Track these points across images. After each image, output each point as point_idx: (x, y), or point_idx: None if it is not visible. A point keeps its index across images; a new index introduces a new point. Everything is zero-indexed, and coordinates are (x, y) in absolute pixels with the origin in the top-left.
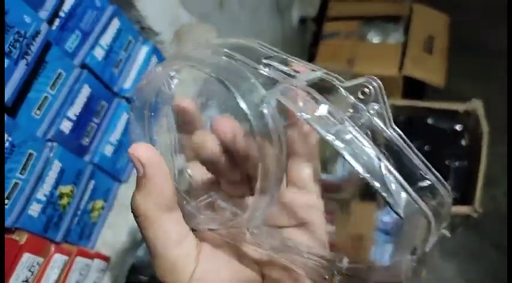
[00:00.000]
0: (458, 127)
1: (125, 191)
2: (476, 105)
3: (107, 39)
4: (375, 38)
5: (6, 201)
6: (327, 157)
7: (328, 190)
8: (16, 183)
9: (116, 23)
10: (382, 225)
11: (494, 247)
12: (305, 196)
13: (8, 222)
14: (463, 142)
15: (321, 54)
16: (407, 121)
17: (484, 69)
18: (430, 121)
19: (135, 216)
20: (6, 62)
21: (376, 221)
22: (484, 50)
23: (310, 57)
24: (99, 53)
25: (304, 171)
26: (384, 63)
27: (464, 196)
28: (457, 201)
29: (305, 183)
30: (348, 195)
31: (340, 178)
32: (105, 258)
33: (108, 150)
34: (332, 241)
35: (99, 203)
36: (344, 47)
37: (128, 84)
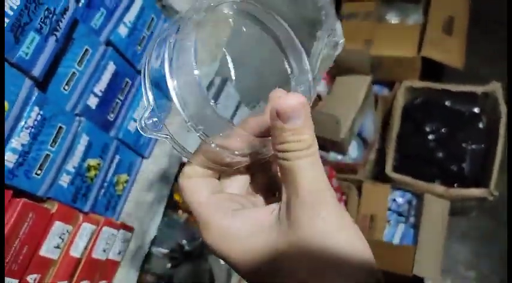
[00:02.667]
0: (476, 109)
1: (147, 166)
2: (495, 88)
3: (130, 16)
4: (393, 19)
5: (38, 172)
6: (341, 139)
7: (341, 171)
8: (47, 155)
9: (139, 1)
10: (395, 205)
11: (508, 231)
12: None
13: (40, 191)
14: (481, 125)
15: None
16: (424, 103)
17: (503, 51)
18: (447, 103)
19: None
20: (37, 38)
21: (388, 201)
22: (503, 32)
23: None
24: (123, 31)
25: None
26: (402, 44)
27: (480, 179)
28: (472, 185)
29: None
30: (360, 176)
31: (354, 159)
32: (130, 229)
33: (132, 126)
34: None
35: (124, 177)
36: (362, 28)
37: None
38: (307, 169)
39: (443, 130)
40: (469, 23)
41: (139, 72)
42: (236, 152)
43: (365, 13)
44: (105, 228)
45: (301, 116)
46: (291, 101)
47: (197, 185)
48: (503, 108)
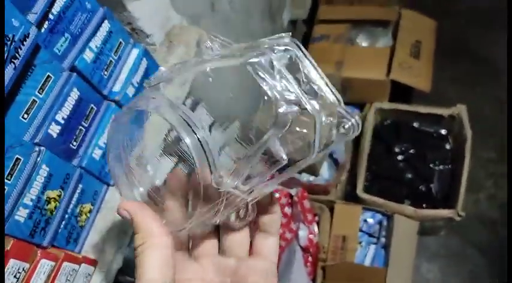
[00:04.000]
0: (443, 131)
1: (112, 194)
2: (461, 110)
3: (96, 41)
4: (363, 42)
5: None
6: (314, 161)
7: (313, 192)
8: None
9: (106, 26)
10: (366, 226)
11: (477, 250)
12: (265, 263)
13: None
14: (448, 146)
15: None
16: (393, 124)
17: (469, 75)
18: (416, 124)
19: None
20: None
21: (360, 222)
22: (470, 56)
23: None
24: (88, 56)
25: (269, 243)
26: (372, 67)
27: (447, 199)
28: (440, 204)
29: (267, 253)
30: (332, 196)
31: (325, 180)
32: (92, 262)
33: (97, 154)
34: (317, 242)
35: (87, 207)
36: (333, 50)
37: (117, 87)
38: (143, 263)
39: (412, 151)
40: (437, 47)
41: (105, 97)
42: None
43: (336, 35)
44: (65, 264)
45: (127, 217)
46: (119, 206)
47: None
48: (468, 130)
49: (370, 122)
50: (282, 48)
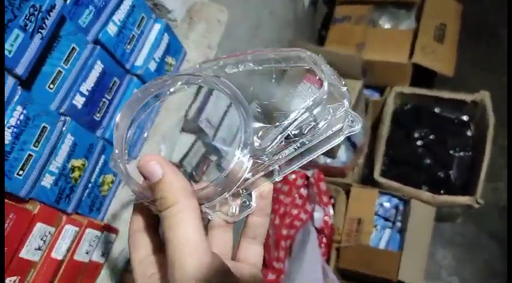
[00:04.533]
0: (465, 117)
1: (134, 167)
2: (484, 96)
3: (120, 15)
4: (386, 24)
5: (20, 172)
6: None
7: (330, 174)
8: (30, 155)
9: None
10: (382, 210)
11: (493, 239)
12: (252, 268)
13: (22, 192)
14: (469, 133)
15: (330, 37)
16: (414, 109)
17: (494, 60)
18: (437, 110)
19: (163, 210)
20: (22, 35)
21: (376, 206)
22: (495, 40)
23: (320, 40)
24: (112, 29)
25: (254, 250)
26: (394, 49)
27: (466, 186)
28: (458, 191)
29: (253, 259)
30: (349, 179)
31: (342, 163)
32: (114, 230)
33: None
34: (332, 224)
35: (109, 178)
36: (354, 32)
37: (139, 61)
38: (175, 229)
39: (431, 136)
40: (461, 31)
41: (128, 71)
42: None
43: (358, 17)
44: (88, 230)
45: (157, 173)
46: (144, 160)
47: (139, 242)
48: (491, 117)
49: (389, 105)
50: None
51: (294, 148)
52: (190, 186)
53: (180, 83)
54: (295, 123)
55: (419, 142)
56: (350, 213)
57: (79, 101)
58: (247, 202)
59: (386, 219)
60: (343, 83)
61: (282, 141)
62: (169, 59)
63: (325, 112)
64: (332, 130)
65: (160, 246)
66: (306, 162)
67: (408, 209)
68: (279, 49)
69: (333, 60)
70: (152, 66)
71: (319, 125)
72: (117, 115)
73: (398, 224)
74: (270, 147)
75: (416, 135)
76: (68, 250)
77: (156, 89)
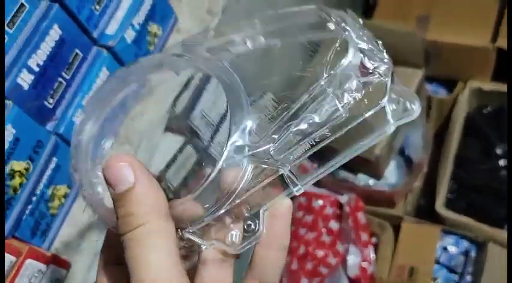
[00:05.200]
0: None
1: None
2: None
3: None
4: None
5: None
6: (376, 156)
7: (373, 202)
8: None
9: None
10: (445, 256)
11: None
12: None
13: None
14: None
15: (381, 6)
16: (497, 113)
17: None
18: None
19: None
20: None
21: (437, 250)
22: None
23: (367, 11)
24: None
25: (270, 263)
26: (471, 27)
27: None
28: None
29: (268, 276)
30: (399, 210)
31: (392, 186)
32: (65, 264)
33: (79, 118)
34: (372, 273)
35: (62, 189)
36: (414, 0)
37: (112, 28)
38: (142, 260)
39: None
40: None
41: (95, 41)
42: None
43: None
44: (28, 261)
45: (126, 179)
46: (113, 160)
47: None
48: None
49: (462, 108)
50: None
51: (310, 144)
52: (167, 202)
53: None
54: (308, 106)
55: (502, 162)
56: (399, 258)
57: (26, 80)
58: (253, 227)
59: (451, 270)
60: (381, 48)
61: (289, 134)
62: (154, 27)
63: (352, 88)
64: (365, 113)
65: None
66: (336, 166)
67: (484, 256)
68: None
69: (384, 40)
70: (129, 35)
71: (341, 108)
72: (78, 112)
73: (469, 278)
74: (273, 145)
75: (498, 151)
76: None
77: (137, 76)
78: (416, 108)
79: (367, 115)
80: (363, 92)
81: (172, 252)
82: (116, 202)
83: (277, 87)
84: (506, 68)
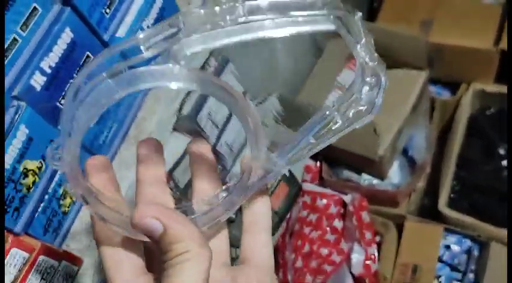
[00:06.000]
0: None
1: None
2: None
3: None
4: None
5: None
6: (379, 157)
7: (376, 201)
8: None
9: None
10: (448, 255)
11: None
12: (260, 271)
13: None
14: None
15: (386, 11)
16: (499, 114)
17: None
18: None
19: None
20: None
21: (440, 249)
22: None
23: (372, 15)
24: None
25: (260, 242)
26: (473, 30)
27: None
28: None
29: (260, 257)
30: (403, 210)
31: (395, 186)
32: (77, 261)
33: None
34: (376, 271)
35: None
36: (419, 3)
37: (122, 31)
38: (175, 276)
39: None
40: None
41: (105, 43)
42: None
43: None
44: (41, 258)
45: (157, 228)
46: (138, 216)
47: (121, 261)
48: None
49: (465, 109)
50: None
51: (309, 149)
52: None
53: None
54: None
55: (504, 162)
56: (402, 257)
57: (39, 81)
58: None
59: (454, 268)
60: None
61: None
62: None
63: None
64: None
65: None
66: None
67: (486, 255)
68: None
69: (388, 43)
70: None
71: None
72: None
73: (471, 276)
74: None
75: (501, 151)
76: None
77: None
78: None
79: (358, 126)
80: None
81: (203, 273)
82: (156, 243)
83: (281, 89)
84: (508, 70)
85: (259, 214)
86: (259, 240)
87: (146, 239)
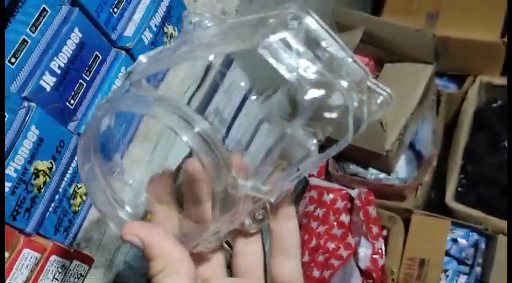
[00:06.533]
0: None
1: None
2: None
3: None
4: None
5: None
6: (386, 151)
7: (383, 195)
8: None
9: None
10: (455, 248)
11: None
12: None
13: None
14: None
15: (390, 4)
16: (506, 107)
17: None
18: None
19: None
20: None
21: (447, 242)
22: None
23: (376, 8)
24: None
25: (289, 268)
26: (480, 23)
27: None
28: None
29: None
30: (409, 204)
31: (402, 180)
32: (88, 260)
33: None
34: (383, 265)
35: (83, 187)
36: None
37: (130, 30)
38: None
39: None
40: None
41: (113, 43)
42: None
43: None
44: (53, 257)
45: (138, 243)
46: (123, 231)
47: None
48: None
49: (471, 102)
50: (295, 21)
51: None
52: (182, 250)
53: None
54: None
55: None
56: (409, 251)
57: (48, 82)
58: (261, 216)
59: (461, 262)
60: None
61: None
62: (169, 28)
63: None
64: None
65: None
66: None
67: (493, 249)
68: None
69: (393, 37)
70: (147, 37)
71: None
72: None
73: (478, 269)
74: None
75: (507, 144)
76: None
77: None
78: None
79: (333, 153)
80: None
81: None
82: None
83: (287, 86)
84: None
85: (289, 232)
86: (291, 264)
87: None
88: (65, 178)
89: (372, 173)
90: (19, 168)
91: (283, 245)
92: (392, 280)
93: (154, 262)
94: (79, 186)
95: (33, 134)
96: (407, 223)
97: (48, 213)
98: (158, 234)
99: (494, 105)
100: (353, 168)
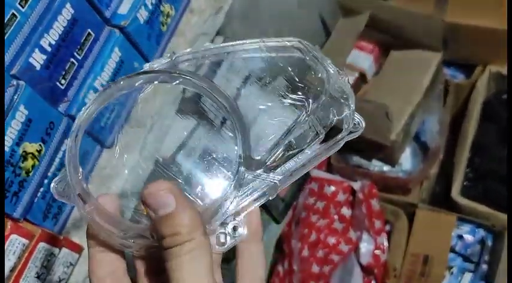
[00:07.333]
0: None
1: (107, 159)
2: None
3: None
4: None
5: None
6: (391, 142)
7: (387, 189)
8: None
9: None
10: (461, 245)
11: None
12: None
13: None
14: None
15: None
16: None
17: None
18: None
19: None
20: None
21: (452, 238)
22: None
23: None
24: None
25: (256, 255)
26: (491, 9)
27: None
28: None
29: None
30: (414, 198)
31: (407, 173)
32: (77, 248)
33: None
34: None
35: None
36: None
37: (124, 7)
38: (186, 268)
39: None
40: None
41: (107, 21)
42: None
43: None
44: (41, 245)
45: (169, 205)
46: (153, 188)
47: (104, 260)
48: None
49: (480, 92)
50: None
51: (295, 161)
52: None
53: (152, 85)
54: (297, 131)
55: None
56: (413, 246)
57: (38, 60)
58: (239, 230)
59: (466, 259)
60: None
61: (281, 154)
62: (166, 7)
63: (328, 116)
64: (337, 138)
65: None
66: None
67: (500, 245)
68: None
69: (401, 22)
70: (142, 15)
71: (321, 134)
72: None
73: (484, 267)
74: (269, 161)
75: (507, 137)
76: (12, 271)
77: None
78: (359, 131)
79: (329, 154)
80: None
81: (210, 265)
82: (158, 223)
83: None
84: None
85: (252, 265)
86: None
87: (132, 250)
88: (55, 163)
89: (376, 165)
90: (7, 149)
91: (251, 267)
92: (395, 276)
93: (182, 228)
94: None
95: (21, 114)
96: (411, 218)
97: (36, 198)
98: (188, 201)
99: (504, 96)
100: (356, 159)
